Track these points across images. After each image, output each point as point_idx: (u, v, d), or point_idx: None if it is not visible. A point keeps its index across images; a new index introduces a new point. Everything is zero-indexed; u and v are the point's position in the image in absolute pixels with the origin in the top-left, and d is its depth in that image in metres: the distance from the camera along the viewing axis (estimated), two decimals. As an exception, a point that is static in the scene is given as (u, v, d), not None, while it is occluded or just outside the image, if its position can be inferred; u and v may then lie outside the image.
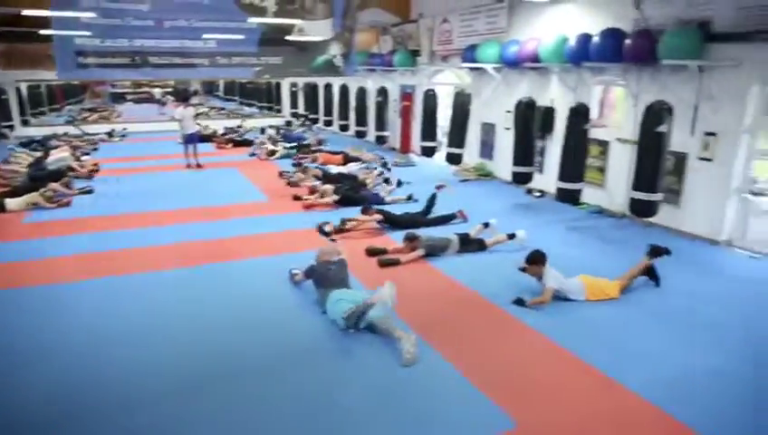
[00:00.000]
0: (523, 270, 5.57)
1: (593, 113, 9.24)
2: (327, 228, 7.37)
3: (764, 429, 3.57)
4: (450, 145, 11.42)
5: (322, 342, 4.61)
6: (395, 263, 6.40)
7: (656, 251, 5.82)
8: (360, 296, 4.82)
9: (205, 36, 9.67)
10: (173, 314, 5.08)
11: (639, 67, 7.91)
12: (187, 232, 7.59)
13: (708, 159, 7.36)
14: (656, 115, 6.91)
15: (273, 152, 14.37)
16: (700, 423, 3.51)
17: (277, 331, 4.80)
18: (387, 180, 10.32)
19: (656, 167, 7.00)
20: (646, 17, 7.77)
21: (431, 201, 8.27)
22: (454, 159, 11.43)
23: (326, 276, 5.17)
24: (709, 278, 6.22)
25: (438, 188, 8.56)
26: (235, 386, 3.94)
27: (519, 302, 5.32)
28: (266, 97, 26.49)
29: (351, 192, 9.56)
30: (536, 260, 5.47)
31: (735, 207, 7.33)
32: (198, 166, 12.52)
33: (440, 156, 12.87)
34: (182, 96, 18.55)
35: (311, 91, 20.62)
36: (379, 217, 7.64)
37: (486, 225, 7.31)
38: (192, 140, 12.60)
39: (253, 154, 14.67)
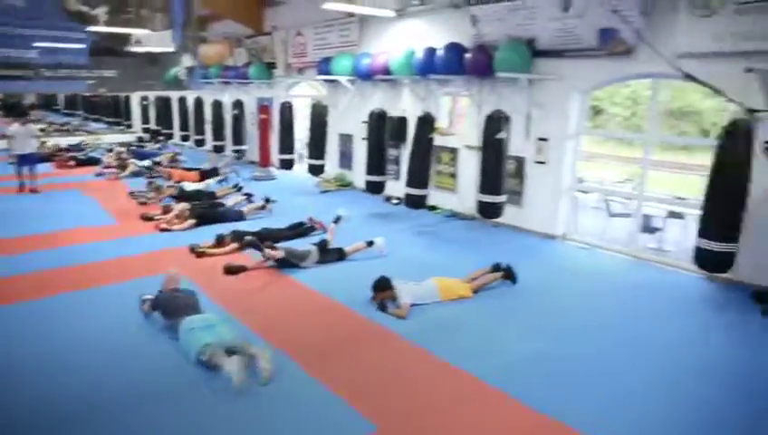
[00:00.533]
0: (374, 298, 5.61)
1: (444, 122, 9.81)
2: (199, 248, 7.12)
3: (584, 398, 3.96)
4: (311, 157, 11.47)
5: (176, 370, 4.31)
6: (262, 250, 6.47)
7: (507, 275, 6.20)
8: (213, 320, 4.60)
9: (28, 45, 8.60)
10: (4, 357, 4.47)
11: (480, 79, 8.51)
12: (18, 263, 6.75)
13: (542, 163, 8.12)
14: (495, 123, 7.48)
15: (122, 169, 13.38)
16: (557, 411, 3.78)
17: (128, 364, 4.41)
18: (248, 196, 10.06)
19: (498, 171, 7.57)
20: (482, 34, 8.41)
21: (298, 225, 8.19)
22: (315, 170, 11.50)
23: (175, 304, 4.85)
24: (546, 271, 6.83)
25: (311, 221, 8.31)
26: (82, 431, 3.56)
27: (381, 307, 5.44)
28: (114, 111, 24.62)
29: (210, 210, 9.18)
30: (382, 287, 5.59)
31: (567, 205, 8.17)
32: (32, 190, 11.20)
33: (301, 168, 12.86)
34: (18, 111, 16.52)
35: (163, 104, 19.52)
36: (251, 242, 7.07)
37: (337, 220, 7.43)
38: (28, 160, 11.22)
39: (99, 174, 13.53)
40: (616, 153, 13.44)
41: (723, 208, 5.80)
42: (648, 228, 7.69)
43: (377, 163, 9.49)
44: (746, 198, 5.72)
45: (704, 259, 6.02)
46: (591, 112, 15.16)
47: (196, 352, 4.25)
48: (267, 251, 6.48)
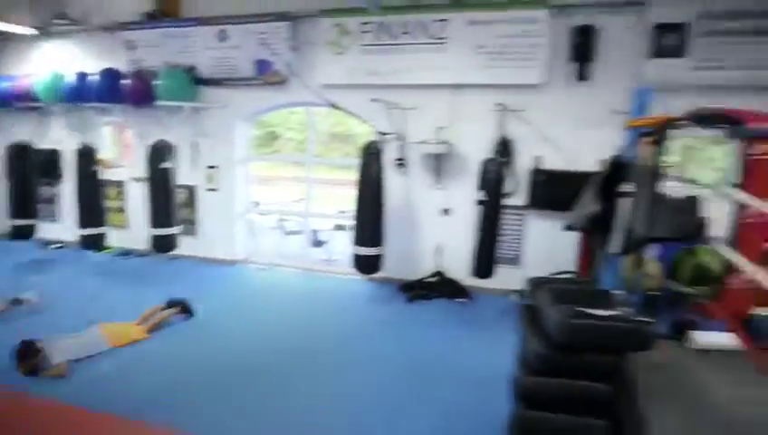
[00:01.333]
0: (20, 369, 4.77)
1: (110, 154, 9.02)
2: None
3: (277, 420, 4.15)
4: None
5: None
6: None
7: (183, 309, 6.02)
8: None
9: None
10: None
11: (140, 107, 8.11)
12: None
13: (214, 190, 8.19)
14: (158, 153, 7.19)
15: None
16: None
17: None
18: None
19: (167, 202, 7.30)
20: (139, 59, 8.05)
21: None
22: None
23: None
24: (226, 296, 6.91)
25: None
26: None
27: (32, 371, 4.70)
28: None
29: None
30: (26, 354, 4.79)
31: (243, 229, 8.41)
32: None
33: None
34: None
35: None
36: None
37: (14, 302, 6.10)
38: None
39: None
40: (293, 174, 14.36)
41: (368, 218, 6.74)
42: (317, 242, 8.44)
43: (22, 205, 8.16)
44: (383, 207, 6.76)
45: (360, 263, 6.88)
46: (269, 137, 16.01)
47: None
48: None
